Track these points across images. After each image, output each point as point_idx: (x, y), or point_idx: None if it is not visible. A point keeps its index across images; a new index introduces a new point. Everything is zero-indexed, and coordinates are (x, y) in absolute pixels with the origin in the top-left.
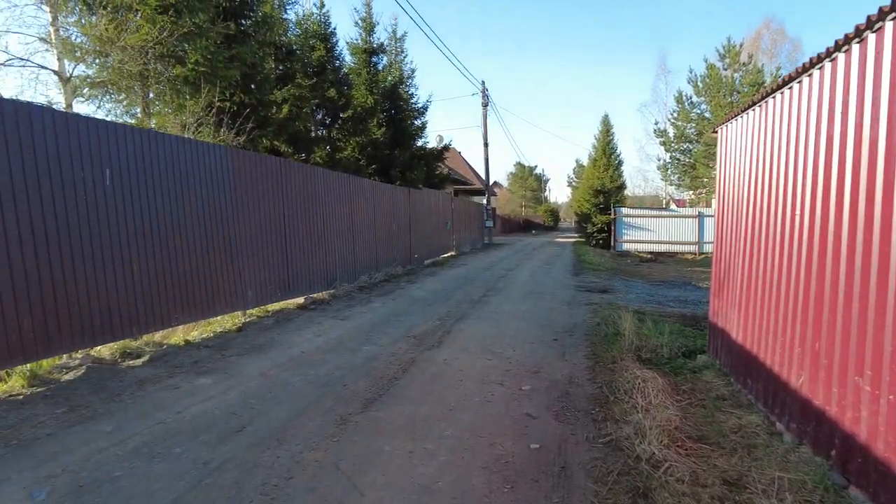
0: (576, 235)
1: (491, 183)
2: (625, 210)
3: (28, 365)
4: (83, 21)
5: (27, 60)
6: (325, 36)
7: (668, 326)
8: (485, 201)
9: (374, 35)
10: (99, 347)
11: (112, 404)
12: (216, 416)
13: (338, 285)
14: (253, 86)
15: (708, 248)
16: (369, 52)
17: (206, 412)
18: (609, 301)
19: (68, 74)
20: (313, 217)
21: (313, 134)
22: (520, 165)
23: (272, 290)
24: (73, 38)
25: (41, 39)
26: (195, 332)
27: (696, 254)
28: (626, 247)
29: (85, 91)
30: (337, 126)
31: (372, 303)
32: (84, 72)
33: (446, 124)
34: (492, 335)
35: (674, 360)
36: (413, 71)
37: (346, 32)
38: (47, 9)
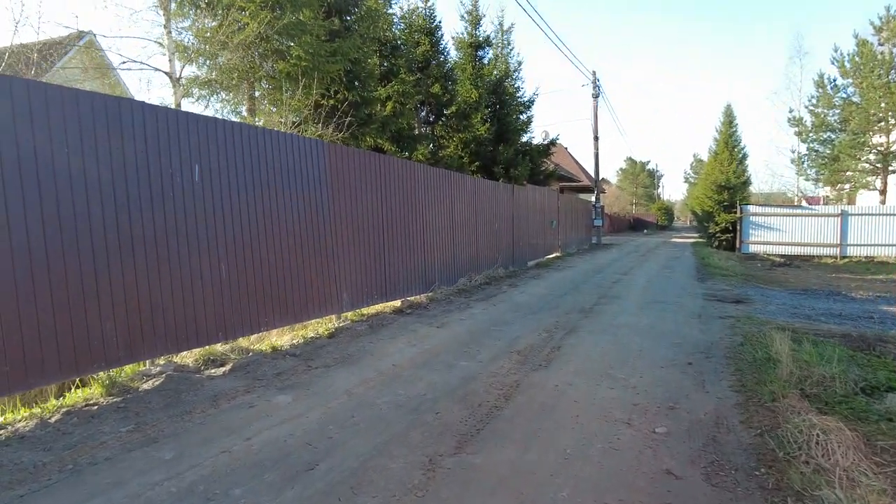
0: (694, 235)
1: (599, 179)
2: (752, 208)
3: (112, 371)
4: (197, 25)
5: (143, 63)
6: (430, 30)
7: (834, 350)
8: (593, 199)
9: (480, 28)
10: (184, 353)
11: (180, 423)
12: (288, 446)
13: (436, 288)
14: (357, 82)
15: (852, 251)
16: (475, 46)
17: (277, 440)
18: (747, 314)
19: (178, 75)
20: (412, 215)
21: (416, 131)
22: (631, 161)
23: (368, 292)
24: (185, 40)
25: (156, 43)
26: (287, 336)
27: (836, 257)
28: (752, 248)
29: (194, 91)
30: (441, 123)
31: (471, 308)
32: (193, 72)
33: (551, 118)
34: (610, 354)
35: (852, 399)
36: (520, 64)
37: (450, 27)
38: (161, 12)
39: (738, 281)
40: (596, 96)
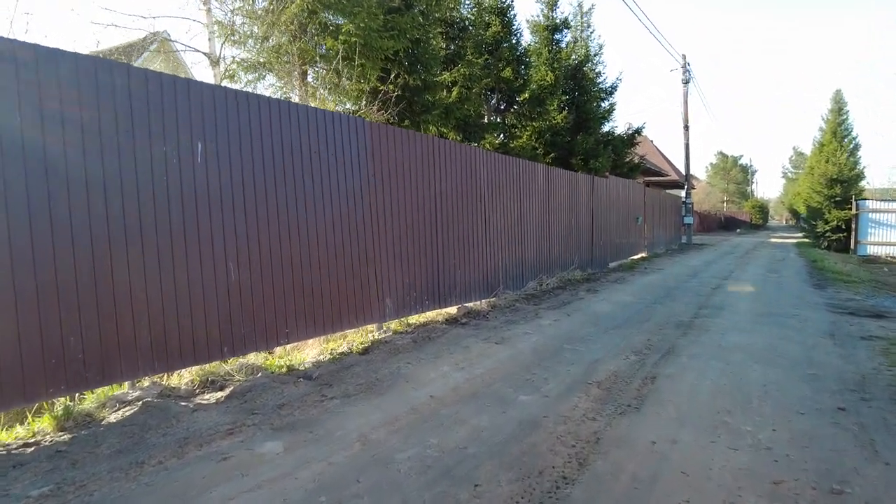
0: (795, 235)
1: (689, 173)
2: (871, 203)
3: (74, 397)
4: (246, 7)
5: (180, 43)
6: (502, 10)
7: None
8: (683, 194)
9: (557, 10)
10: (182, 371)
11: (121, 483)
12: None
13: (500, 293)
14: (419, 66)
15: None
16: (551, 30)
17: None
18: None
19: (217, 55)
20: (471, 208)
21: (486, 119)
22: (722, 155)
23: (417, 297)
24: (232, 21)
25: (197, 22)
26: (314, 350)
27: None
28: (871, 250)
29: (241, 75)
30: (512, 111)
31: (540, 318)
32: (236, 54)
33: (636, 107)
34: (724, 391)
35: None
36: (601, 47)
37: (524, 10)
38: None
39: (866, 289)
40: (686, 82)
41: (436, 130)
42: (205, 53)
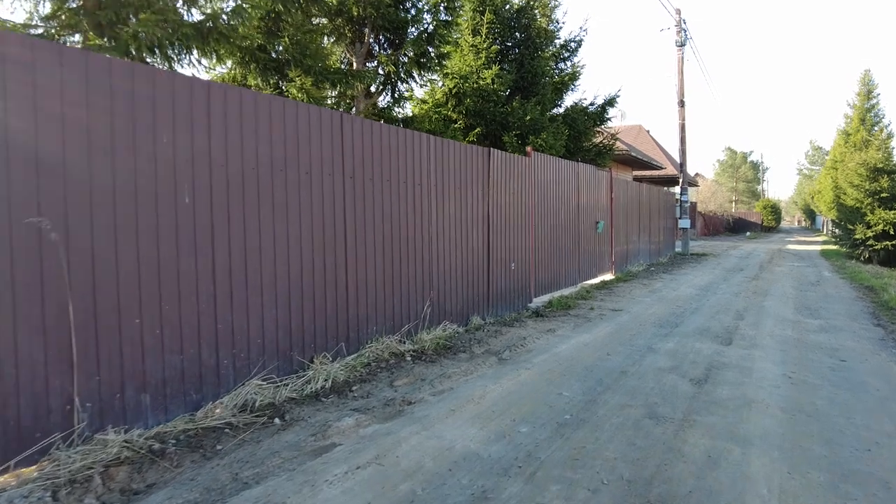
0: (815, 238)
1: (694, 174)
2: None
3: None
4: None
5: None
6: None
7: None
8: (678, 190)
9: None
10: None
11: None
12: None
13: (58, 451)
14: None
15: None
16: None
17: None
18: None
19: None
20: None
21: (354, 66)
22: (730, 151)
23: None
24: None
25: None
26: None
27: None
28: None
29: None
30: (399, 60)
31: None
32: None
33: (613, 83)
34: None
35: None
36: None
37: None
38: None
39: None
40: (681, 44)
41: (214, 70)
42: None
